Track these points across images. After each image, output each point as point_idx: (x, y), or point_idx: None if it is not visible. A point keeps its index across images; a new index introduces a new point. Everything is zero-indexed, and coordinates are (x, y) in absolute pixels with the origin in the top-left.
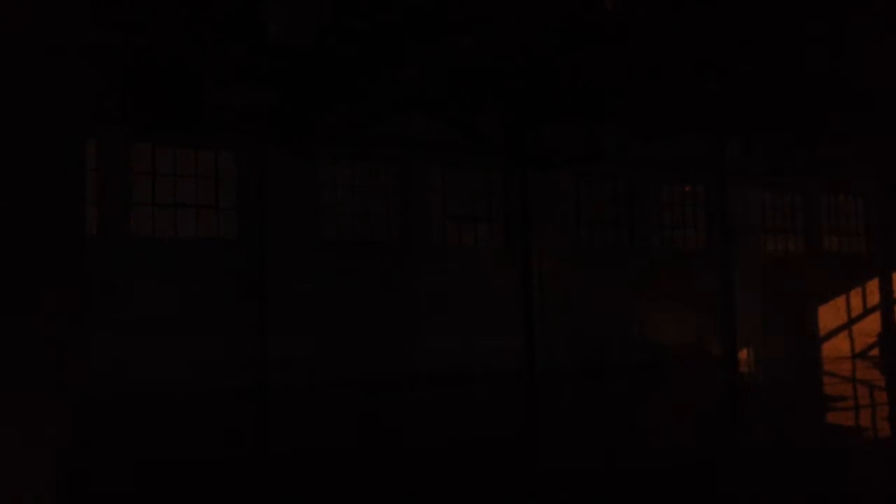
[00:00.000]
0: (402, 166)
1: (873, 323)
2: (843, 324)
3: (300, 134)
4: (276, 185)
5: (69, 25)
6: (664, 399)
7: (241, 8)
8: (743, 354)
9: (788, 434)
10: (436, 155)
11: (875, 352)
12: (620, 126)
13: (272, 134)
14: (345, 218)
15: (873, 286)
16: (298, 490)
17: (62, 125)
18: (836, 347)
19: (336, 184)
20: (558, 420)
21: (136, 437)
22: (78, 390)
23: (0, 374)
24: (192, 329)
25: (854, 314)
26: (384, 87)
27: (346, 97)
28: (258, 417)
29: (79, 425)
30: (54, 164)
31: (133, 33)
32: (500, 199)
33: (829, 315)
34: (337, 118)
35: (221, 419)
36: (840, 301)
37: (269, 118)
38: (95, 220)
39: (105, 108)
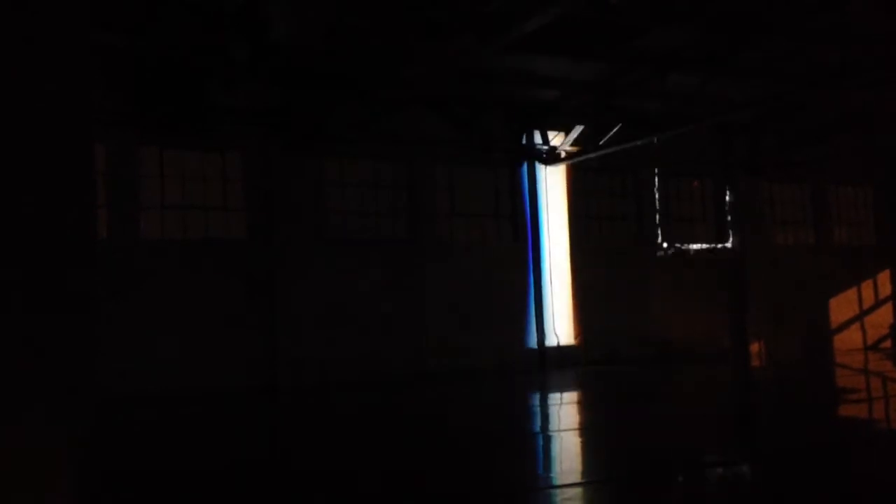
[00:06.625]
0: (407, 164)
1: (885, 314)
2: (855, 315)
3: (306, 133)
4: (283, 184)
5: (74, 31)
6: (681, 393)
7: (244, 8)
8: (754, 348)
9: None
10: (441, 152)
11: (888, 343)
12: (626, 119)
13: (278, 134)
14: (352, 217)
15: (885, 277)
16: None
17: (69, 129)
18: (848, 339)
19: (343, 183)
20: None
21: (151, 441)
22: (90, 392)
23: (13, 376)
24: (202, 330)
25: (866, 306)
26: (388, 86)
27: (350, 96)
28: (273, 419)
29: (93, 427)
30: (63, 169)
31: (137, 36)
32: (506, 195)
33: (841, 307)
34: (342, 117)
35: (236, 421)
36: (851, 293)
37: (275, 118)
38: (105, 224)
39: (111, 112)
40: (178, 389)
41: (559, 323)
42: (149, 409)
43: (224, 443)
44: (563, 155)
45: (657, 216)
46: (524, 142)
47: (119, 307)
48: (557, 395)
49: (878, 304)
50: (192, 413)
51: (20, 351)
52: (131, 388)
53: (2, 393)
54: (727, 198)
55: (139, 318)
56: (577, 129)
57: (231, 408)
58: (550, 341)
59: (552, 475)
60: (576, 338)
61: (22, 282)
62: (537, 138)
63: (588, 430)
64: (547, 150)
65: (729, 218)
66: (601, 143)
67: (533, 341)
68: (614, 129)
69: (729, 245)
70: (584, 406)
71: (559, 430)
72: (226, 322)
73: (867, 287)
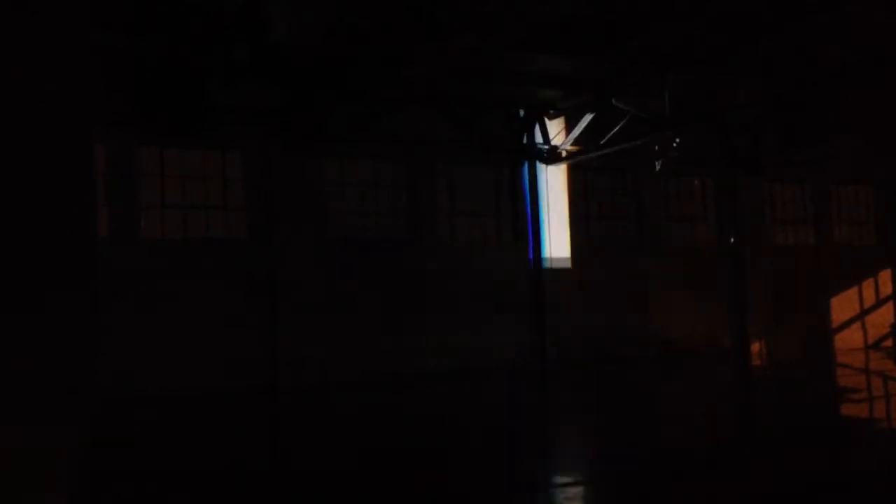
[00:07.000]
0: (408, 164)
1: (886, 313)
2: (856, 315)
3: (306, 133)
4: (284, 184)
5: (74, 31)
6: (681, 392)
7: (244, 8)
8: (755, 347)
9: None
10: (442, 152)
11: (888, 342)
12: (628, 118)
13: (278, 134)
14: (352, 217)
15: (885, 276)
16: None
17: (69, 129)
18: (849, 338)
19: (343, 183)
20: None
21: (150, 442)
22: (89, 392)
23: (13, 376)
24: (202, 330)
25: (867, 305)
26: (388, 86)
27: (351, 96)
28: (273, 420)
29: (93, 428)
30: (63, 169)
31: (137, 36)
32: (507, 194)
33: (842, 306)
34: (342, 117)
35: (236, 422)
36: (852, 292)
37: (275, 118)
38: (105, 223)
39: (111, 112)
40: (178, 390)
41: (559, 322)
42: (148, 410)
43: (223, 444)
44: (563, 154)
45: (657, 215)
46: (525, 141)
47: (119, 307)
48: (557, 394)
49: (879, 303)
50: (192, 414)
51: (20, 351)
52: (131, 388)
53: (2, 393)
54: (727, 197)
55: (139, 318)
56: (578, 129)
57: (231, 408)
58: (550, 340)
59: (552, 474)
60: (576, 337)
61: (22, 282)
62: (538, 137)
63: (587, 429)
64: (547, 149)
65: (729, 217)
66: (602, 142)
67: (533, 341)
68: (615, 129)
69: (729, 244)
70: (584, 405)
71: (559, 430)
72: (226, 322)
73: (868, 286)
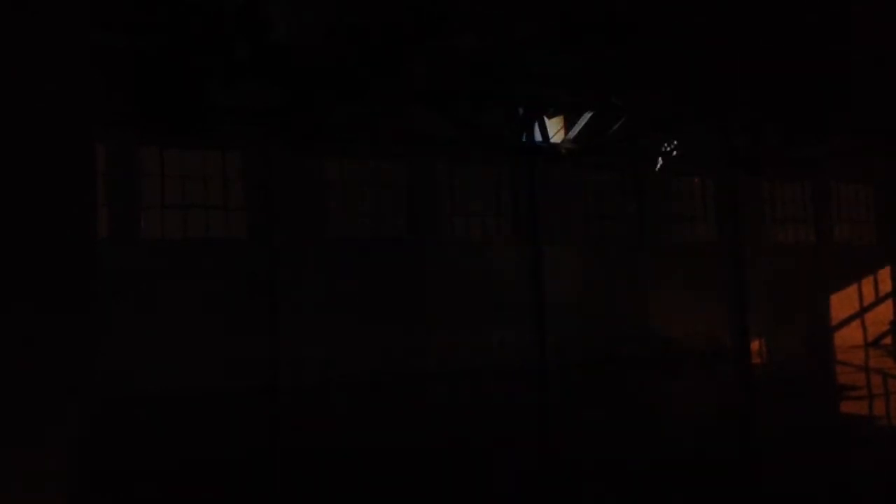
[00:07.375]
0: (408, 163)
1: (886, 311)
2: (856, 312)
3: (306, 133)
4: (284, 183)
5: (74, 31)
6: (682, 391)
7: (244, 8)
8: (755, 346)
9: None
10: (442, 150)
11: (888, 340)
12: (628, 117)
13: (278, 134)
14: (352, 216)
15: (885, 274)
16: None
17: (69, 129)
18: (848, 336)
19: (343, 182)
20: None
21: (155, 442)
22: (88, 392)
23: (13, 376)
24: (202, 330)
25: (866, 302)
26: (389, 85)
27: (351, 95)
28: (273, 421)
29: (92, 428)
30: (63, 169)
31: (137, 36)
32: (507, 192)
33: (842, 304)
34: (342, 117)
35: (236, 423)
36: (852, 290)
37: (275, 118)
38: (105, 223)
39: (111, 112)
40: (178, 390)
41: (559, 322)
42: (148, 410)
43: (223, 444)
44: (563, 152)
45: (657, 213)
46: (524, 139)
47: (119, 307)
48: (557, 393)
49: (879, 300)
50: (192, 414)
51: (20, 351)
52: (131, 388)
53: (2, 393)
54: (727, 197)
55: (139, 318)
56: (577, 127)
57: (231, 408)
58: (550, 340)
59: (554, 475)
60: (577, 337)
61: (22, 282)
62: (538, 136)
63: (585, 429)
64: (547, 147)
65: (729, 217)
66: (602, 140)
67: (533, 340)
68: (615, 127)
69: (729, 244)
70: (586, 406)
71: (559, 430)
72: (226, 322)
73: (867, 284)
